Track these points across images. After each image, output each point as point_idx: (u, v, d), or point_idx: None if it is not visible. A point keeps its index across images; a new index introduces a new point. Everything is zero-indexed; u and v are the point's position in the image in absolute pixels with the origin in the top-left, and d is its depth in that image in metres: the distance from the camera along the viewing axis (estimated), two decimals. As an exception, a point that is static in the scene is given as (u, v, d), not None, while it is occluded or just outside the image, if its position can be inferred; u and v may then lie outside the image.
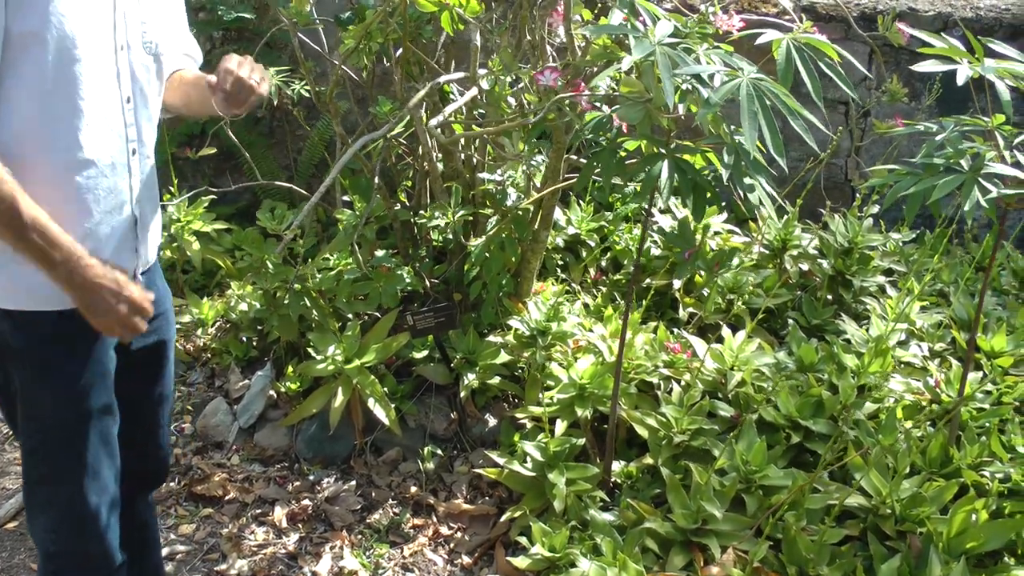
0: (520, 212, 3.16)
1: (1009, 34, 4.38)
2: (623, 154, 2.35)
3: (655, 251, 3.73)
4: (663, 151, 2.22)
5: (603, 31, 2.16)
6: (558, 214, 3.90)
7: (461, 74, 3.00)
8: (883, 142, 4.51)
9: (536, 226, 3.25)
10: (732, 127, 2.24)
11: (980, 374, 3.10)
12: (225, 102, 1.86)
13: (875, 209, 3.75)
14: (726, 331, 3.19)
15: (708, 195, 2.23)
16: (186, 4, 4.05)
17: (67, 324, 1.77)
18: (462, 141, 3.22)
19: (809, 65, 2.19)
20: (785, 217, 3.76)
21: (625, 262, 3.84)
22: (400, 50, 3.09)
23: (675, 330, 3.40)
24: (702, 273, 3.45)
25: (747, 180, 2.14)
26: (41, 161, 1.68)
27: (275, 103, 3.53)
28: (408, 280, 3.25)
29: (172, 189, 3.86)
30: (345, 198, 3.76)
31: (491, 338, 3.32)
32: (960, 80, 2.26)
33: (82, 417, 1.86)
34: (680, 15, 3.35)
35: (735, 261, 3.47)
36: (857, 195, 4.09)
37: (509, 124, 2.67)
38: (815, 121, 2.08)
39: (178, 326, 3.63)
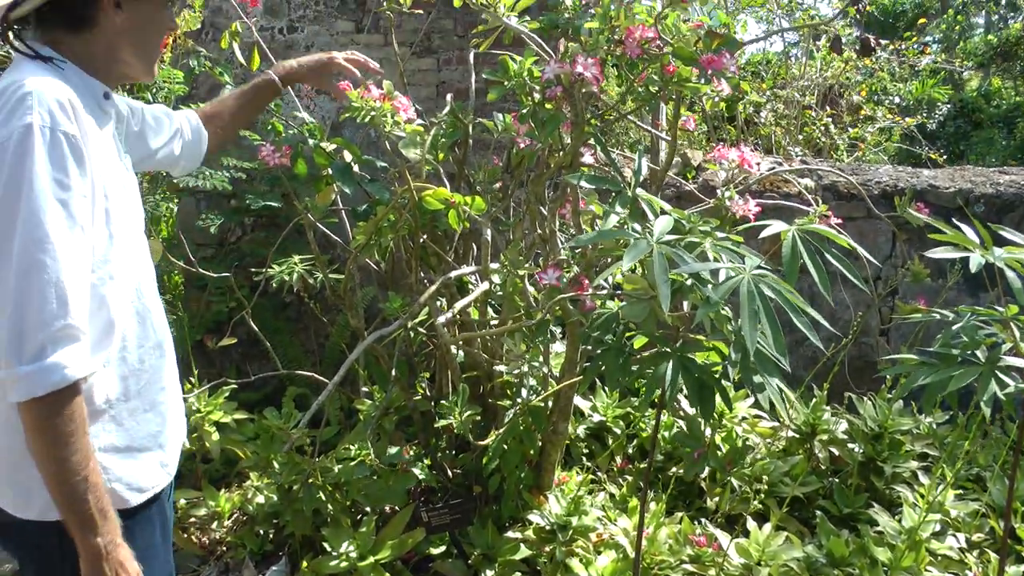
0: (537, 406, 3.13)
1: (1031, 210, 4.37)
2: (632, 350, 2.32)
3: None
4: (669, 349, 2.19)
5: (601, 237, 2.16)
6: (582, 401, 3.86)
7: (472, 268, 3.02)
8: (912, 321, 4.46)
9: (555, 418, 3.20)
10: (739, 322, 2.21)
11: (1021, 568, 2.95)
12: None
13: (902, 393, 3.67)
14: (751, 524, 3.08)
15: (716, 393, 2.18)
16: (216, 192, 4.18)
17: (128, 529, 1.76)
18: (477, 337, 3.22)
19: (816, 258, 2.16)
20: (813, 400, 3.69)
21: (649, 450, 3.75)
22: (415, 241, 3.13)
23: (702, 520, 3.30)
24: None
25: (756, 378, 2.10)
26: (129, 354, 1.77)
27: (296, 290, 3.56)
28: (422, 476, 3.20)
29: (192, 379, 3.88)
30: (366, 388, 3.75)
31: (511, 533, 3.22)
32: (973, 268, 2.22)
33: None
34: (698, 197, 3.39)
35: (757, 450, 3.38)
36: (887, 377, 4.01)
37: (512, 326, 2.66)
38: (821, 320, 2.04)
39: (193, 519, 3.59)
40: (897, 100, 11.35)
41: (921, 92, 11.38)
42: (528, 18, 2.65)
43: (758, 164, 2.80)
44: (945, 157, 7.83)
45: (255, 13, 4.76)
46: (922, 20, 15.04)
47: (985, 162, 11.95)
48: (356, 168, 3.15)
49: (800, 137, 6.15)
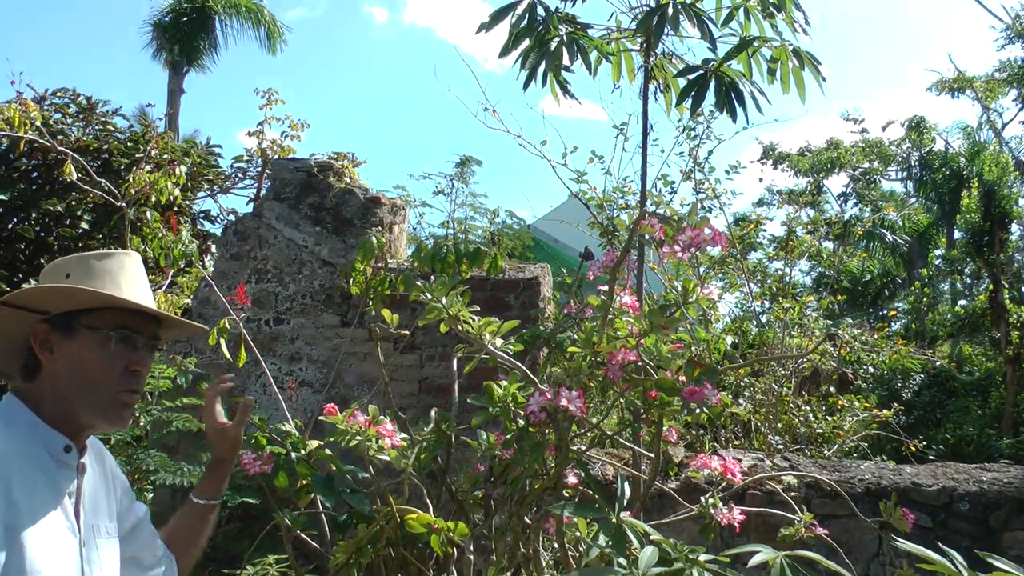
0: None
1: (1015, 507, 4.36)
2: None
3: None
4: None
5: (589, 574, 2.14)
6: None
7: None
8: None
9: None
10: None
11: None
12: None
13: None
14: None
15: None
16: (192, 488, 4.14)
17: None
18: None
19: (805, 586, 2.15)
20: None
21: None
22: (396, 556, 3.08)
23: None
24: None
25: None
26: None
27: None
28: None
29: None
30: None
31: None
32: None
33: None
34: (679, 501, 3.37)
35: None
36: None
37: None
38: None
39: None
40: (872, 370, 11.57)
41: (894, 363, 11.63)
42: (512, 340, 2.72)
43: (741, 471, 2.82)
44: (924, 443, 7.92)
45: (242, 307, 4.87)
46: (892, 312, 15.65)
47: (962, 431, 12.05)
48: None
49: (779, 425, 6.23)
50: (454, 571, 2.84)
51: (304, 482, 3.15)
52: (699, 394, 2.38)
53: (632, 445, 2.92)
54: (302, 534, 3.45)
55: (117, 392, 1.85)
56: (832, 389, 6.79)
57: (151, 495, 4.96)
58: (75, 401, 1.79)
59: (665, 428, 2.91)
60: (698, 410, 2.50)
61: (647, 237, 2.46)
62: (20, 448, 1.69)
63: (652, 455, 2.85)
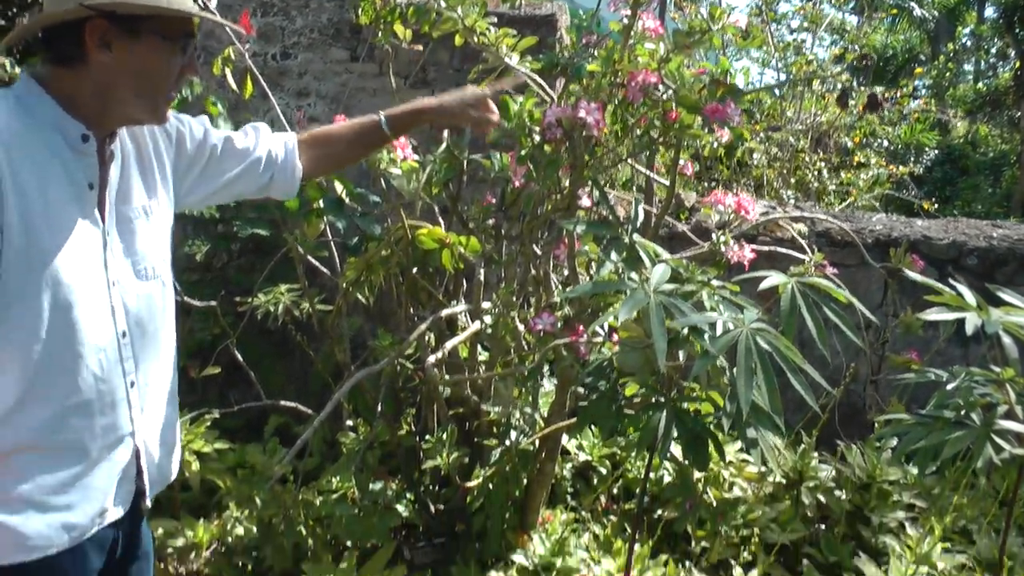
0: (524, 448, 3.09)
1: (1022, 264, 4.36)
2: (625, 397, 2.29)
3: (667, 478, 3.63)
4: (663, 400, 2.17)
5: (597, 289, 2.14)
6: (569, 440, 3.82)
7: (464, 307, 3.00)
8: (901, 371, 4.44)
9: (541, 458, 3.17)
10: (734, 374, 2.19)
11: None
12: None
13: (894, 441, 3.65)
14: (738, 572, 3.05)
15: (710, 444, 2.16)
16: (203, 218, 4.12)
17: (44, 572, 1.71)
18: (466, 372, 3.19)
19: (814, 311, 2.15)
20: (801, 447, 3.67)
21: (637, 491, 3.73)
22: (406, 277, 3.10)
23: (687, 564, 3.27)
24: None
25: (750, 432, 2.07)
26: (38, 409, 1.64)
27: (280, 321, 3.52)
28: (405, 514, 3.16)
29: (175, 407, 3.82)
30: (350, 422, 3.70)
31: (494, 572, 3.18)
32: (968, 330, 2.21)
33: None
34: (691, 240, 3.37)
35: (747, 499, 3.36)
36: (875, 426, 3.99)
37: (503, 372, 2.64)
38: (818, 378, 2.01)
39: (170, 549, 3.52)
40: (886, 144, 11.41)
41: (910, 137, 11.44)
42: (530, 58, 2.63)
43: (754, 210, 2.78)
44: (936, 205, 7.87)
45: (248, 39, 4.72)
46: (919, 71, 15.14)
47: (971, 208, 12.02)
48: (348, 201, 3.12)
49: (792, 180, 6.16)
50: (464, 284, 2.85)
51: (315, 206, 3.13)
52: (721, 112, 2.31)
53: (648, 172, 2.87)
54: (313, 259, 3.47)
55: (168, 93, 1.82)
56: (849, 145, 6.69)
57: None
58: (126, 101, 1.74)
59: (681, 161, 2.86)
60: (719, 131, 2.44)
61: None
62: (34, 133, 1.64)
63: (667, 183, 2.81)
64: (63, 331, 1.65)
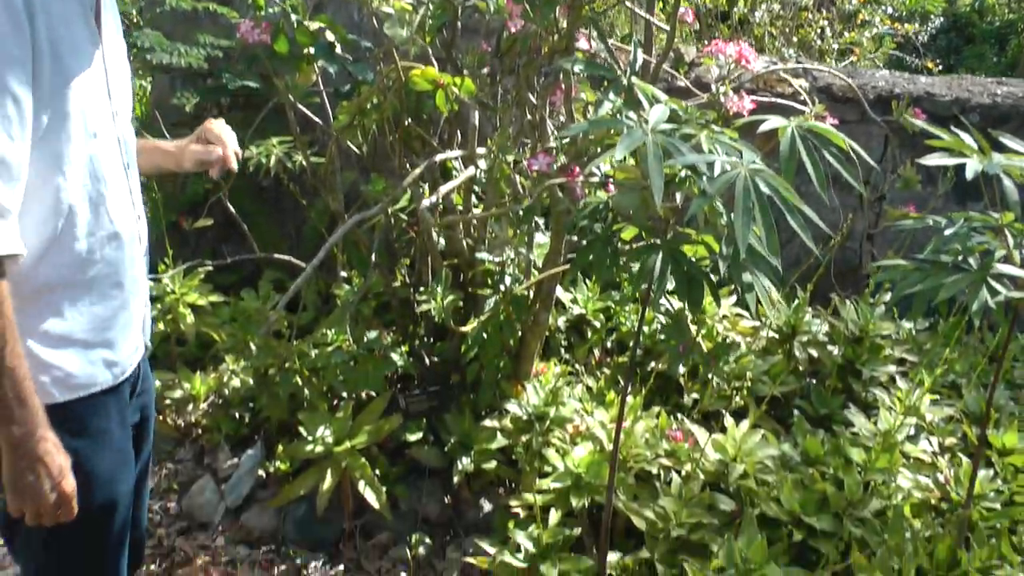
0: (519, 295, 3.09)
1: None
2: (621, 242, 2.27)
3: (661, 331, 3.64)
4: (659, 241, 2.15)
5: (594, 126, 2.09)
6: (563, 293, 3.83)
7: (458, 152, 2.95)
8: (898, 227, 4.42)
9: (536, 308, 3.17)
10: (732, 216, 2.17)
11: (991, 472, 2.98)
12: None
13: (887, 296, 3.67)
14: (729, 421, 3.09)
15: (705, 286, 2.15)
16: (191, 70, 4.04)
17: (91, 411, 1.75)
18: (460, 222, 3.16)
19: (814, 155, 2.11)
20: (795, 302, 3.68)
21: (630, 344, 3.75)
22: (399, 124, 3.05)
23: (679, 416, 3.31)
24: (705, 360, 3.37)
25: (746, 276, 2.06)
26: (69, 243, 1.64)
27: (274, 173, 3.48)
28: (400, 363, 3.18)
29: (167, 260, 3.81)
30: (344, 273, 3.70)
31: (488, 422, 3.22)
32: (969, 175, 2.18)
33: (113, 506, 1.85)
34: (691, 92, 3.31)
35: (740, 348, 3.38)
36: (870, 281, 4.00)
37: (497, 210, 2.61)
38: (816, 219, 1.99)
39: (168, 401, 3.56)
40: (890, 10, 11.17)
41: (915, 3, 11.18)
42: None
43: (755, 61, 2.72)
44: (940, 68, 7.74)
45: None
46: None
47: (975, 76, 11.82)
48: (339, 49, 3.05)
49: (795, 39, 6.03)
50: (459, 135, 2.81)
51: (306, 52, 3.06)
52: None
53: (647, 15, 2.80)
54: (304, 108, 3.41)
55: None
56: (854, 2, 6.53)
57: (150, 82, 4.89)
58: None
59: (681, 9, 2.78)
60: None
61: None
62: None
63: (667, 28, 2.74)
64: (88, 163, 1.64)
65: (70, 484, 1.63)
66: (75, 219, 1.63)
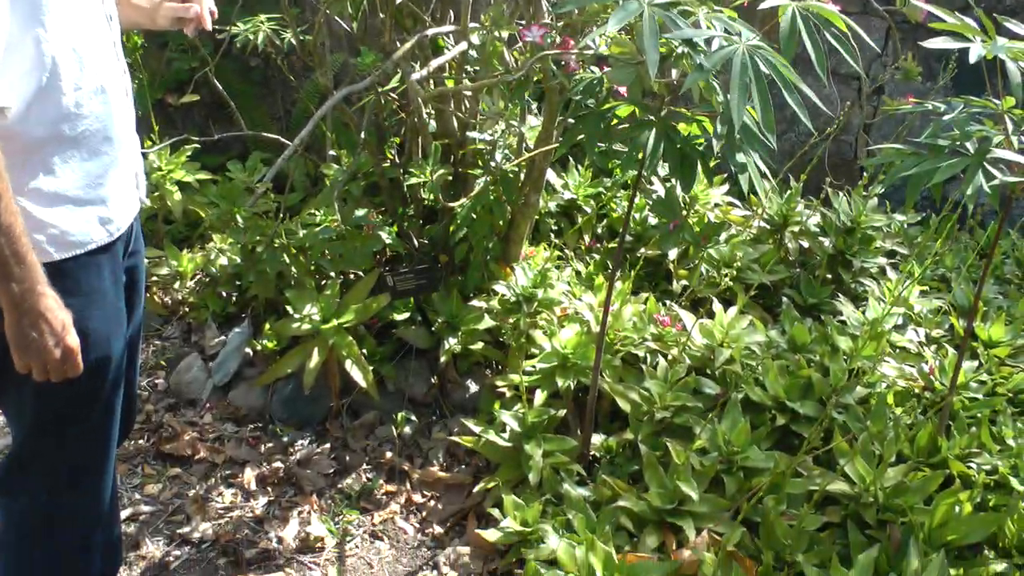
0: (509, 174, 3.05)
1: None
2: (614, 119, 2.23)
3: (651, 219, 3.63)
4: (653, 118, 2.11)
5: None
6: (555, 177, 3.79)
7: (451, 27, 2.88)
8: (895, 120, 4.38)
9: (526, 189, 3.14)
10: (728, 96, 2.12)
11: (975, 363, 3.00)
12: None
13: (881, 189, 3.65)
14: (717, 306, 3.10)
15: (697, 165, 2.12)
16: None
17: (84, 269, 1.74)
18: (451, 99, 3.10)
19: (815, 36, 2.05)
20: (788, 192, 3.66)
21: (620, 230, 3.73)
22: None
23: (667, 302, 3.31)
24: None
25: (740, 157, 2.03)
26: (55, 96, 1.60)
27: (262, 52, 3.40)
28: (389, 240, 3.15)
29: (153, 136, 3.75)
30: (333, 152, 3.64)
31: (475, 302, 3.21)
32: (972, 58, 2.14)
33: (107, 363, 1.85)
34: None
35: (729, 232, 3.37)
36: (864, 174, 3.97)
37: (489, 80, 2.55)
38: (815, 99, 1.95)
39: (155, 278, 3.55)
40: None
41: None
42: None
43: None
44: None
45: None
46: None
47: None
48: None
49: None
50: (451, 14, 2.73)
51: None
52: None
53: None
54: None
55: None
56: None
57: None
58: None
59: None
60: None
61: None
62: None
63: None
64: (68, 13, 1.60)
65: (74, 339, 1.63)
66: (59, 72, 1.58)
